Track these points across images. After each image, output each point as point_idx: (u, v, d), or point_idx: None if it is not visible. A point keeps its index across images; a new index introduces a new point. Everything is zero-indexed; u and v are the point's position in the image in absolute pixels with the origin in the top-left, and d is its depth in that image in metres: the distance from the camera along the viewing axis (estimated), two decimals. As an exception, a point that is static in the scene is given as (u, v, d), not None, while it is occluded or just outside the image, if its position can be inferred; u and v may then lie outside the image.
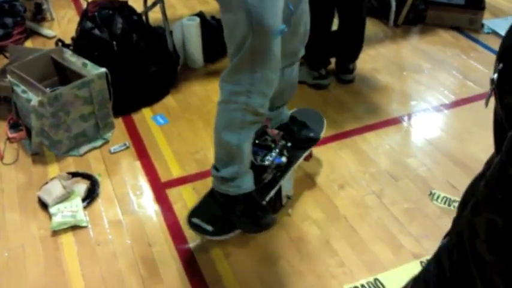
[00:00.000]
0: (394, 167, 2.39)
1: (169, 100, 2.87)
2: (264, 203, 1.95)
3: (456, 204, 2.21)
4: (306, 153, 2.22)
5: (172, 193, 2.26)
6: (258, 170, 1.99)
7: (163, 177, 2.35)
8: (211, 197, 1.97)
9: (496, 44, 3.38)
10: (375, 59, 3.24)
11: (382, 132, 2.61)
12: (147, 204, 2.21)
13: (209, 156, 2.45)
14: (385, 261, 1.96)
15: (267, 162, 2.03)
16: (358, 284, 1.88)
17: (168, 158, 2.46)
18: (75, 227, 2.08)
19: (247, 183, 1.89)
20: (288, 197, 2.19)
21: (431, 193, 2.27)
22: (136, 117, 2.74)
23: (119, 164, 2.43)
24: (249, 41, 1.57)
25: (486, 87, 2.95)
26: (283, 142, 2.11)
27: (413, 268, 1.93)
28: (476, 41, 3.44)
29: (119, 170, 2.40)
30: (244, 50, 1.60)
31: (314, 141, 2.24)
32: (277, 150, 2.08)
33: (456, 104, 2.84)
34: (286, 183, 2.12)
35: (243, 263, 1.95)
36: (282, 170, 2.07)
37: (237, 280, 1.89)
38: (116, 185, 2.31)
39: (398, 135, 2.61)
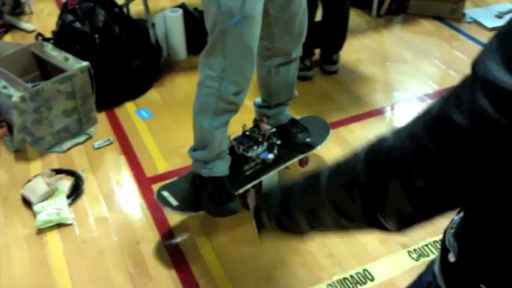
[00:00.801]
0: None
1: (152, 94, 2.84)
2: (237, 192, 1.94)
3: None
4: (300, 157, 2.19)
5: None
6: (239, 159, 2.00)
7: (149, 173, 2.32)
8: (189, 175, 2.01)
9: (477, 33, 3.42)
10: (359, 50, 3.24)
11: (367, 122, 2.62)
12: (133, 200, 2.19)
13: (195, 150, 2.43)
14: (373, 251, 1.97)
15: (250, 154, 2.02)
16: (347, 275, 1.89)
17: (153, 152, 2.43)
18: (60, 225, 2.05)
19: (219, 168, 1.91)
20: None
21: (417, 183, 2.28)
22: (119, 111, 2.70)
23: (103, 159, 2.40)
24: (218, 24, 1.60)
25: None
26: (273, 139, 2.09)
27: (401, 257, 1.96)
28: (458, 30, 3.46)
29: (103, 165, 2.37)
30: (216, 32, 1.62)
31: (309, 147, 2.20)
32: (265, 145, 2.07)
33: (440, 93, 2.86)
34: (269, 181, 2.09)
35: (232, 259, 1.95)
36: (266, 166, 2.06)
37: (227, 275, 1.89)
38: (100, 181, 2.28)
39: (383, 125, 2.62)
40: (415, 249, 1.98)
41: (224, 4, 1.58)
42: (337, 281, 1.86)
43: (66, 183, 2.20)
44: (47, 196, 2.12)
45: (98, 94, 2.55)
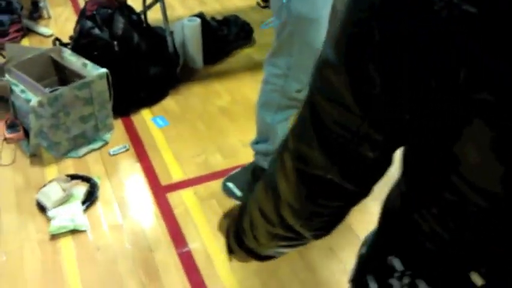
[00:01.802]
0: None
1: (169, 102, 2.84)
2: None
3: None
4: None
5: (172, 197, 2.23)
6: None
7: (164, 181, 2.31)
8: (251, 167, 2.10)
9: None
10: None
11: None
12: (147, 208, 2.17)
13: (210, 160, 2.42)
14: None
15: None
16: (362, 291, 1.86)
17: (168, 161, 2.43)
18: (74, 231, 2.04)
19: None
20: None
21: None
22: (135, 118, 2.70)
23: (118, 166, 2.39)
24: (288, 26, 1.69)
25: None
26: None
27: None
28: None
29: (119, 172, 2.36)
30: (284, 34, 1.71)
31: None
32: None
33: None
34: None
35: (245, 270, 1.92)
36: None
37: (239, 287, 1.86)
38: (115, 188, 2.27)
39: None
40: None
41: (294, 8, 1.65)
42: (352, 297, 1.83)
43: (81, 189, 2.20)
44: (62, 202, 2.12)
45: (115, 101, 2.55)
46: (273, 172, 0.69)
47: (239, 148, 2.49)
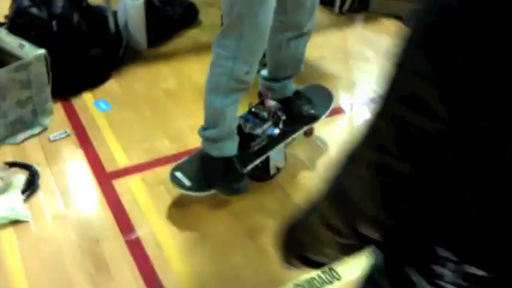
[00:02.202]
0: (345, 156, 2.40)
1: (112, 85, 2.73)
2: (245, 170, 1.99)
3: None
4: (305, 129, 2.24)
5: (119, 184, 2.15)
6: (246, 137, 2.04)
7: (109, 167, 2.23)
8: (200, 155, 2.04)
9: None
10: (322, 47, 3.23)
11: (331, 120, 2.61)
12: (92, 196, 2.09)
13: (158, 146, 2.36)
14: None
15: (257, 131, 2.05)
16: (314, 274, 1.87)
17: (113, 146, 2.34)
18: (15, 222, 1.93)
19: (228, 148, 1.95)
20: (278, 168, 2.20)
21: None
22: (76, 102, 2.58)
23: (59, 152, 2.28)
24: (236, 7, 1.66)
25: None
26: (279, 114, 2.11)
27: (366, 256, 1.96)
28: (417, 30, 3.51)
29: (60, 159, 2.25)
30: (233, 15, 1.68)
31: (314, 119, 2.26)
32: (270, 122, 2.09)
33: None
34: (276, 155, 2.15)
35: (197, 256, 1.89)
36: (273, 141, 2.09)
37: (191, 273, 1.83)
38: (57, 175, 2.17)
39: (347, 123, 2.63)
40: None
41: None
42: (305, 281, 1.84)
43: (20, 177, 2.08)
44: (0, 191, 1.99)
45: (54, 83, 2.42)
46: (342, 183, 0.68)
47: (187, 132, 2.44)
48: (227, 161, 1.96)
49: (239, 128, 2.04)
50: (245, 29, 1.70)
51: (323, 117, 2.29)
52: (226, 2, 1.70)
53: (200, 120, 2.34)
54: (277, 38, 2.03)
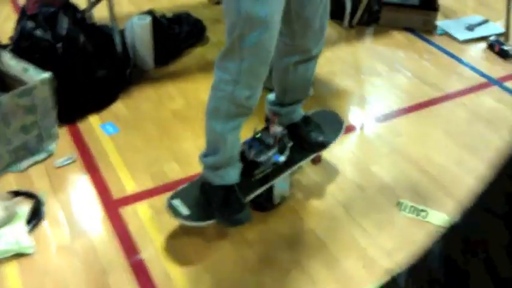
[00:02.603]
0: (360, 176, 2.32)
1: (118, 106, 2.67)
2: (247, 199, 1.91)
3: (423, 214, 2.16)
4: (312, 157, 2.15)
5: (126, 212, 2.08)
6: (249, 164, 1.96)
7: (116, 194, 2.16)
8: (200, 181, 1.96)
9: (449, 45, 3.40)
10: (332, 62, 3.16)
11: (343, 138, 2.54)
12: (98, 225, 2.02)
13: (166, 169, 2.29)
14: (357, 278, 1.88)
15: (261, 159, 1.96)
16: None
17: (120, 171, 2.27)
18: (19, 255, 1.86)
19: (230, 176, 1.87)
20: (283, 197, 2.11)
21: (398, 203, 2.21)
22: (82, 126, 2.52)
23: (65, 179, 2.22)
24: (237, 29, 1.58)
25: (442, 91, 2.95)
26: (285, 141, 2.03)
27: (390, 284, 1.87)
28: (429, 42, 3.43)
29: (66, 186, 2.19)
30: (233, 37, 1.60)
31: (322, 146, 2.17)
32: (275, 148, 1.99)
33: (415, 108, 2.81)
34: (281, 183, 2.06)
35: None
36: (278, 169, 2.01)
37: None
38: (63, 204, 2.10)
39: (360, 141, 2.54)
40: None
41: (244, 7, 1.54)
42: (322, 312, 1.76)
43: (25, 207, 2.02)
44: (4, 222, 1.93)
45: (60, 107, 2.36)
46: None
47: (196, 155, 2.31)
48: (228, 189, 1.87)
49: (242, 154, 1.95)
50: (246, 52, 1.62)
51: (332, 144, 2.19)
52: (227, 23, 1.63)
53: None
54: (284, 62, 1.95)
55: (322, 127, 2.18)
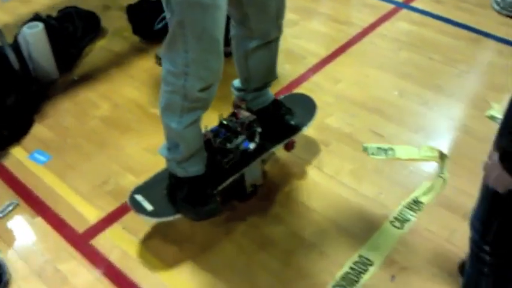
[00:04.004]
0: (319, 132, 2.27)
1: (39, 130, 2.35)
2: (216, 190, 1.79)
3: (391, 152, 2.18)
4: (284, 142, 2.01)
5: (99, 243, 1.86)
6: (217, 152, 1.83)
7: (80, 228, 1.92)
8: (165, 174, 1.83)
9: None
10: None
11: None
12: (77, 269, 1.78)
13: (122, 183, 2.07)
14: (358, 234, 1.86)
15: (228, 146, 1.84)
16: (347, 268, 1.75)
17: (74, 201, 2.01)
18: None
19: (194, 167, 1.75)
20: (255, 186, 1.99)
21: (364, 148, 2.21)
22: (8, 163, 2.19)
23: (15, 229, 1.93)
24: (176, 15, 1.45)
25: (359, 26, 2.96)
26: (253, 126, 1.90)
27: (387, 231, 1.87)
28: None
29: (20, 236, 1.90)
30: (173, 24, 1.47)
31: (295, 130, 2.03)
32: (244, 135, 1.87)
33: (341, 50, 2.80)
34: (252, 171, 1.93)
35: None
36: (247, 157, 1.88)
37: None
38: (26, 257, 1.82)
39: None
40: (396, 218, 1.91)
41: None
42: (341, 279, 1.72)
43: (-17, 276, 1.73)
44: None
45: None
46: None
47: (147, 157, 2.17)
48: (193, 181, 1.75)
49: (208, 142, 1.82)
50: (190, 40, 1.47)
51: (305, 128, 2.06)
52: (166, 9, 1.48)
53: (155, 139, 2.10)
54: (243, 48, 1.83)
55: (294, 110, 2.06)
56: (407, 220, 1.91)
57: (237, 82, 2.00)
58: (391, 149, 2.20)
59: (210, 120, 1.85)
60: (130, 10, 2.90)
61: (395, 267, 1.75)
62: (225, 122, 1.89)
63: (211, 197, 1.75)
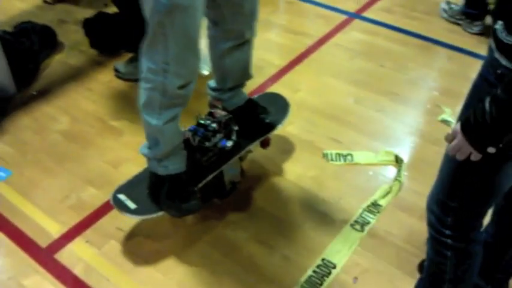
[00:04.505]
0: (280, 140, 2.32)
1: (-2, 146, 2.32)
2: (196, 187, 1.84)
3: (349, 158, 2.25)
4: (260, 140, 2.08)
5: (63, 257, 1.85)
6: (196, 151, 1.89)
7: (43, 242, 1.90)
8: (146, 174, 1.89)
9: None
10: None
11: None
12: (40, 282, 1.76)
13: (84, 197, 2.07)
14: (320, 238, 1.91)
15: (207, 144, 1.90)
16: (310, 272, 1.80)
17: (36, 216, 1.99)
18: None
19: (174, 165, 1.81)
20: (233, 183, 2.06)
21: (324, 154, 2.27)
22: (-35, 181, 2.16)
23: (-26, 247, 1.90)
24: (156, 16, 1.51)
25: (314, 37, 3.04)
26: (230, 125, 1.96)
27: (348, 233, 1.93)
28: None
29: (-21, 254, 1.87)
30: (154, 24, 1.53)
31: (271, 128, 2.11)
32: (221, 133, 1.93)
33: (298, 60, 2.87)
34: (231, 169, 2.01)
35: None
36: (225, 155, 1.94)
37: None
38: (-13, 275, 1.80)
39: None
40: (356, 221, 1.97)
41: None
42: (305, 282, 1.76)
43: None
44: None
45: None
46: None
47: (109, 171, 2.18)
48: (174, 179, 1.81)
49: (187, 142, 1.87)
50: (169, 39, 1.54)
51: (280, 126, 2.13)
52: (146, 10, 1.55)
53: (115, 151, 2.11)
54: (219, 48, 1.90)
55: (268, 109, 2.14)
56: (367, 223, 1.98)
57: (212, 82, 2.07)
58: (350, 155, 2.27)
59: (188, 122, 1.91)
60: (87, 24, 2.89)
61: (358, 269, 1.81)
62: (202, 122, 1.95)
63: (192, 193, 1.82)
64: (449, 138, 1.15)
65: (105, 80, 2.71)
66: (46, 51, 2.83)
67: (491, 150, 1.08)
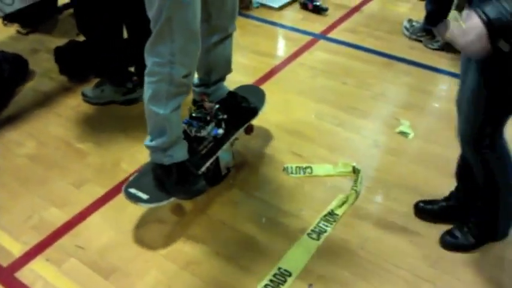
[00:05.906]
0: (242, 154, 2.38)
1: (-40, 171, 2.36)
2: (199, 173, 2.00)
3: (309, 170, 2.30)
4: (245, 126, 2.26)
5: (24, 275, 1.87)
6: (193, 141, 2.07)
7: (4, 261, 1.93)
8: (149, 168, 2.03)
9: (268, 14, 3.61)
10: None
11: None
12: (-1, 301, 1.80)
13: (46, 217, 2.10)
14: (278, 248, 1.95)
15: (202, 134, 2.08)
16: (266, 280, 1.83)
17: (-2, 237, 2.03)
18: None
19: (179, 153, 1.96)
20: (228, 169, 2.26)
21: (284, 168, 2.32)
22: None
23: None
24: (164, 13, 1.66)
25: (280, 58, 3.13)
26: (219, 114, 2.15)
27: (305, 242, 1.97)
28: (250, 16, 3.60)
29: None
30: (162, 20, 1.68)
31: (253, 113, 2.30)
32: (213, 123, 2.12)
33: (263, 79, 2.94)
34: (225, 155, 2.20)
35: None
36: (219, 142, 2.12)
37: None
38: None
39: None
40: (312, 230, 2.01)
41: None
42: (260, 293, 1.79)
43: None
44: None
45: None
46: None
47: (72, 192, 2.22)
48: (180, 166, 1.95)
49: (185, 133, 2.04)
50: (176, 32, 1.71)
51: (260, 112, 2.33)
52: (154, 8, 1.69)
53: (79, 173, 2.14)
54: (205, 43, 2.03)
55: (248, 98, 2.33)
56: (323, 231, 2.02)
57: (196, 79, 2.22)
58: (309, 168, 2.32)
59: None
60: (58, 52, 2.97)
61: (313, 276, 1.84)
62: (194, 114, 2.13)
63: (198, 176, 1.98)
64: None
65: (74, 104, 2.77)
66: (17, 79, 2.90)
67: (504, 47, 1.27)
